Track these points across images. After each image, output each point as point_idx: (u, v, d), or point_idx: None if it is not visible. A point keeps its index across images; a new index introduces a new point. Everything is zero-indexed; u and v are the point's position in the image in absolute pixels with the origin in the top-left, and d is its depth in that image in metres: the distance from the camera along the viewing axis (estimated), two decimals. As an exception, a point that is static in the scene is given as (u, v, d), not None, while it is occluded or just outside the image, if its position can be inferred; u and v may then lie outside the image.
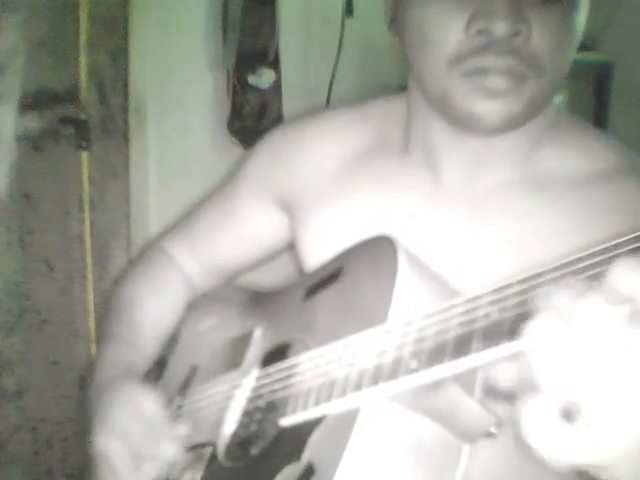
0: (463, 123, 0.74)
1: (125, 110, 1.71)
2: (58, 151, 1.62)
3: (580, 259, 0.47)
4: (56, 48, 1.58)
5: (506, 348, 0.48)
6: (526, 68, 0.70)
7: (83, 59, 1.63)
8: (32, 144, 1.54)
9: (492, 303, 0.52)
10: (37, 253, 1.60)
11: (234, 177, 1.00)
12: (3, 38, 1.31)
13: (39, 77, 1.52)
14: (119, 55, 1.68)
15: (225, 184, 1.01)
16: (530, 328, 0.45)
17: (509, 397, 0.49)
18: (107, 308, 1.00)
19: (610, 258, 0.45)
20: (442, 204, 0.80)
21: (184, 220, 1.05)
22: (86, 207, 1.68)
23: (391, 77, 1.89)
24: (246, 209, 0.98)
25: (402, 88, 0.88)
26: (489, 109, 0.71)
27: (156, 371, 0.96)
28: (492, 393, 0.59)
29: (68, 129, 1.62)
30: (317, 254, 0.84)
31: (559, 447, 0.44)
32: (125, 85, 1.70)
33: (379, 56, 2.06)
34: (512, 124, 0.73)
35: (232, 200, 0.99)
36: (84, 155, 1.66)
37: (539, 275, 0.49)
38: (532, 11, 0.69)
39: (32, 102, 1.49)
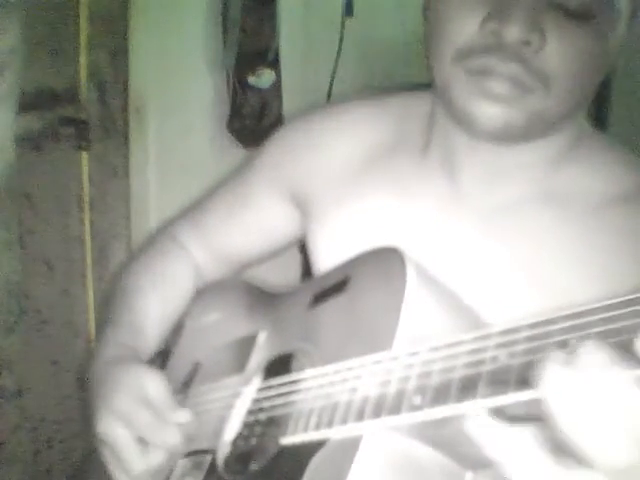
0: (461, 120, 0.73)
1: (125, 110, 1.71)
2: (58, 151, 1.62)
3: (595, 310, 0.47)
4: (56, 48, 1.58)
5: (513, 397, 0.48)
6: (532, 80, 0.68)
7: (83, 59, 1.63)
8: (32, 144, 1.54)
9: (500, 346, 0.51)
10: (37, 253, 1.60)
11: (247, 167, 0.99)
12: (3, 38, 1.31)
13: (39, 77, 1.52)
14: (119, 55, 1.68)
15: (238, 174, 1.00)
16: (542, 378, 0.46)
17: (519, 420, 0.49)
18: (112, 291, 0.98)
19: (626, 314, 0.45)
20: (457, 213, 0.79)
21: (196, 207, 1.04)
22: (86, 207, 1.68)
23: (391, 77, 1.89)
24: (258, 201, 0.97)
25: (402, 89, 0.87)
26: (487, 112, 0.69)
27: (159, 363, 0.96)
28: (502, 416, 0.59)
29: (68, 129, 1.62)
30: (329, 255, 0.83)
31: None
32: (125, 85, 1.69)
33: (379, 56, 2.06)
34: (513, 135, 0.71)
35: (244, 191, 0.98)
36: (84, 155, 1.66)
37: (551, 322, 0.49)
38: (551, 24, 0.66)
39: (32, 102, 1.49)
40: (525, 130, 0.71)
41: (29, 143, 1.51)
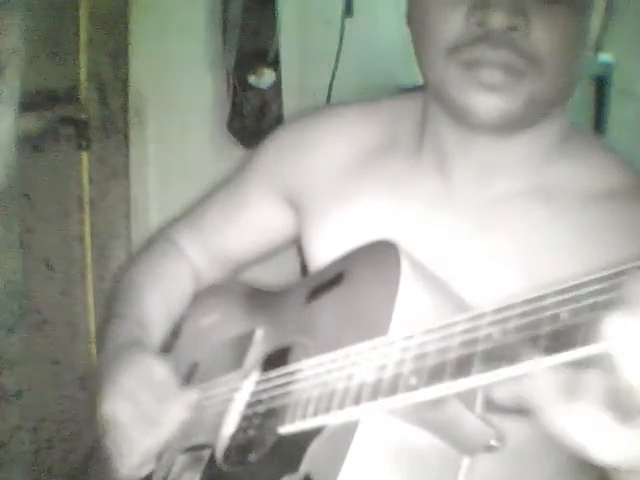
0: (459, 116, 0.74)
1: (125, 110, 1.71)
2: (58, 151, 1.62)
3: (585, 283, 0.47)
4: (56, 48, 1.58)
5: (506, 372, 0.49)
6: (523, 64, 0.69)
7: (83, 59, 1.63)
8: (32, 144, 1.54)
9: (494, 324, 0.52)
10: (37, 253, 1.60)
11: (243, 170, 1.00)
12: (5, 38, 1.31)
13: (39, 77, 1.53)
14: (119, 55, 1.68)
15: (234, 176, 1.01)
16: (611, 327, 0.43)
17: (510, 411, 0.49)
18: (115, 290, 0.99)
19: (617, 284, 0.44)
20: (451, 210, 0.80)
21: (193, 210, 1.05)
22: (86, 207, 1.68)
23: (391, 77, 1.89)
24: (254, 202, 0.98)
25: (401, 89, 0.88)
26: (484, 103, 0.70)
27: None
28: (493, 407, 0.59)
29: (68, 129, 1.62)
30: (323, 254, 0.83)
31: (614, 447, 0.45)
32: (125, 85, 1.70)
33: (379, 56, 2.06)
34: (511, 123, 0.73)
35: (240, 193, 0.99)
36: (84, 155, 1.66)
37: (542, 298, 0.49)
38: (533, 8, 0.68)
39: (32, 102, 1.49)
40: (522, 117, 0.72)
41: (29, 143, 1.52)
